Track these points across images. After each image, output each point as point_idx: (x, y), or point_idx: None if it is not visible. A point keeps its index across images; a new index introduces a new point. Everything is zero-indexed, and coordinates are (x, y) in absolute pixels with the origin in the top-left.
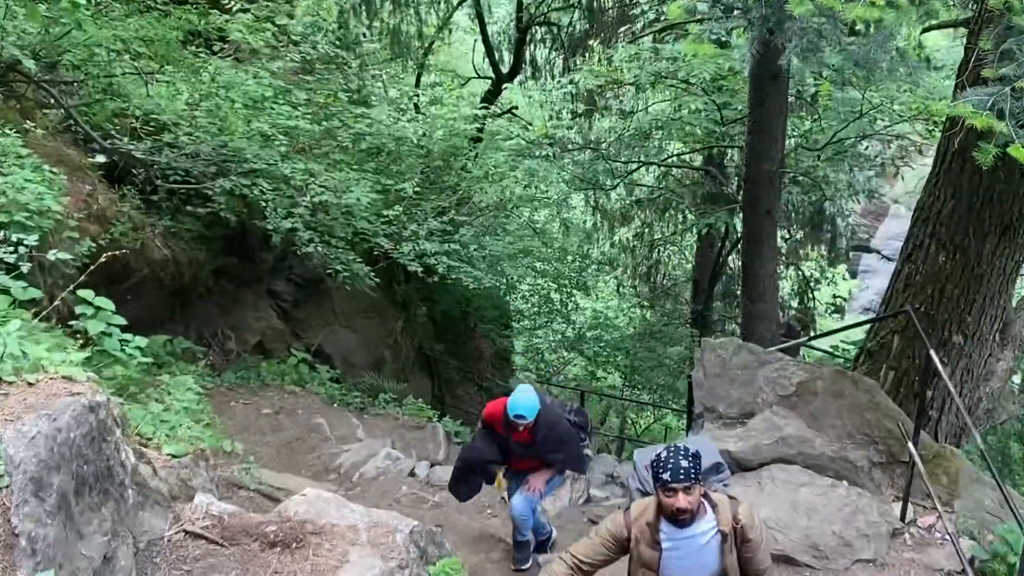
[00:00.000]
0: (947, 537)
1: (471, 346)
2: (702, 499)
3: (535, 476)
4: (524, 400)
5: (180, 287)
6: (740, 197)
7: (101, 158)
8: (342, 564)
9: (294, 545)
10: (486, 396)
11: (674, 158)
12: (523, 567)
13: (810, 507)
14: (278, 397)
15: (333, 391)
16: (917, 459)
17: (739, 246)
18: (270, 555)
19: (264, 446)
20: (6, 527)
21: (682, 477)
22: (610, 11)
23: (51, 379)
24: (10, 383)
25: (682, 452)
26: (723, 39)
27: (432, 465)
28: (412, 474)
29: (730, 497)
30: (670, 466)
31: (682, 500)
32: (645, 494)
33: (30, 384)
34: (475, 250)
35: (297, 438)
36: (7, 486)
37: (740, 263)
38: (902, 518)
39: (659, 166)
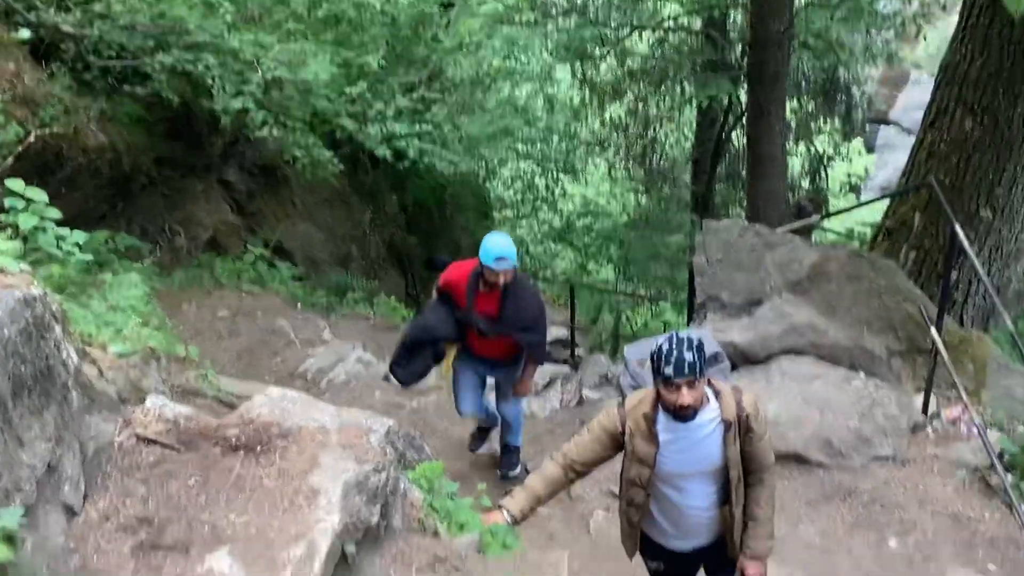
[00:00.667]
0: (973, 430)
1: (447, 239)
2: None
3: (522, 384)
4: (505, 241)
5: (120, 177)
6: (744, 64)
7: (25, 32)
8: (312, 468)
9: (258, 449)
10: None
11: (670, 21)
12: (513, 472)
13: (823, 401)
14: (235, 298)
15: (296, 290)
16: (941, 346)
17: (743, 120)
18: (232, 460)
19: (221, 351)
20: None
21: (687, 371)
22: None
23: None
24: None
25: (686, 343)
26: None
27: None
28: (387, 379)
29: (733, 387)
30: (673, 359)
31: (686, 396)
32: (636, 390)
33: None
34: (449, 131)
35: (257, 342)
36: None
37: (745, 139)
38: (924, 411)
39: (654, 31)
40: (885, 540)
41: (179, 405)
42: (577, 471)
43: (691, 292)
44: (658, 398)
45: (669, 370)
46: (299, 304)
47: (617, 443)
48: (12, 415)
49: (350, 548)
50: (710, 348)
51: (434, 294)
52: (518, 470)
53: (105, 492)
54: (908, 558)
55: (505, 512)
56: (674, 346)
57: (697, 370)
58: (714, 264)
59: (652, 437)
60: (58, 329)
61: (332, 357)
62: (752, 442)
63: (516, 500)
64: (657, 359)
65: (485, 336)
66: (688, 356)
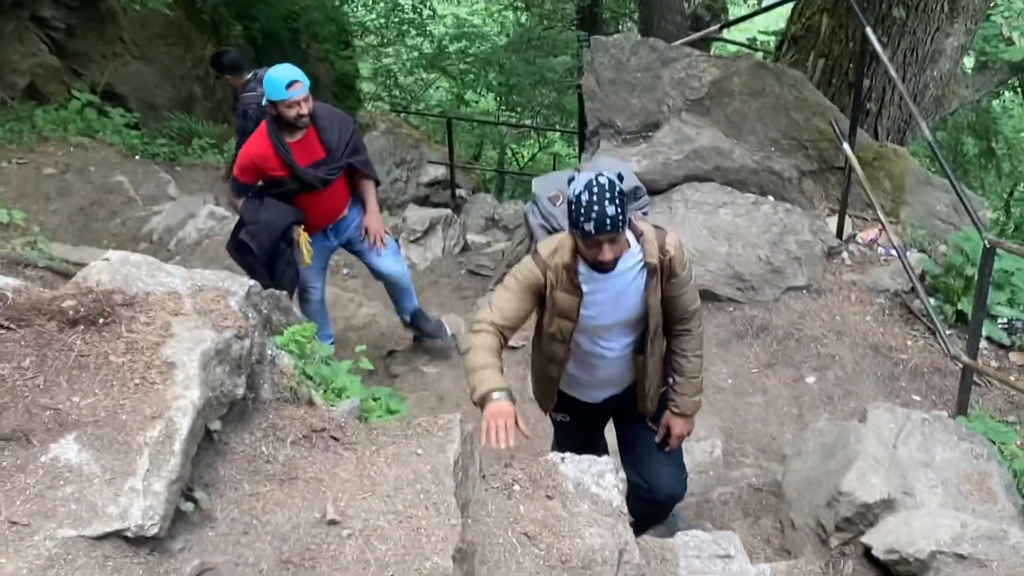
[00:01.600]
0: (892, 252)
1: (304, 71)
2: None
3: (369, 217)
4: (288, 67)
5: None
6: None
7: None
8: (164, 339)
9: (101, 321)
10: None
11: None
12: (438, 338)
13: (731, 231)
14: (62, 153)
15: (132, 140)
16: (855, 162)
17: None
18: (72, 335)
19: (51, 214)
20: None
21: (609, 227)
22: None
23: None
24: None
25: (607, 192)
26: None
27: None
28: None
29: (655, 227)
30: (594, 215)
31: (607, 252)
32: (552, 231)
33: None
34: None
35: (92, 202)
36: None
37: None
38: (839, 234)
39: None
40: (802, 377)
41: (5, 277)
42: (507, 335)
43: (582, 119)
44: (576, 247)
45: (590, 227)
46: (138, 155)
47: (539, 296)
48: None
49: (215, 425)
50: (630, 182)
51: (236, 199)
52: (444, 333)
53: None
54: (827, 394)
55: (497, 394)
56: (594, 196)
57: (619, 223)
58: (605, 86)
59: (575, 288)
60: None
61: (180, 214)
62: (676, 287)
63: (490, 380)
64: (575, 211)
65: (326, 186)
66: (610, 210)
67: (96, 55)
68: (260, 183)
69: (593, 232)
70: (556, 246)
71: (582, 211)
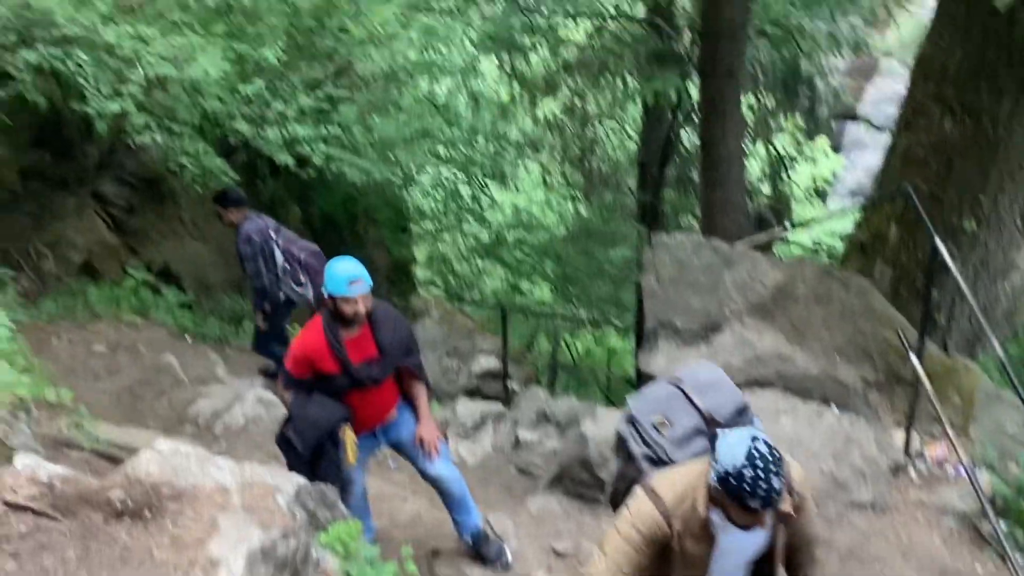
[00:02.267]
0: (961, 471)
1: (360, 256)
2: None
3: (423, 426)
4: (351, 263)
5: None
6: (695, 56)
7: None
8: (210, 535)
9: (148, 514)
10: None
11: (610, 8)
12: (504, 559)
13: (792, 440)
14: (113, 331)
15: (184, 320)
16: (923, 375)
17: (695, 119)
18: (117, 528)
19: (99, 393)
20: None
21: (774, 502)
22: None
23: None
24: None
25: (772, 466)
26: None
27: None
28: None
29: None
30: (761, 491)
31: (764, 517)
32: (656, 461)
33: None
34: (360, 134)
35: (140, 381)
36: None
37: (697, 140)
38: (906, 450)
39: (591, 19)
40: None
41: (54, 465)
42: None
43: (640, 316)
44: (711, 498)
45: (756, 504)
46: (188, 336)
47: (663, 547)
48: None
49: None
50: (735, 399)
51: (285, 391)
52: (508, 556)
53: None
54: None
55: None
56: (759, 472)
57: (781, 493)
58: (666, 284)
59: (707, 536)
60: None
61: (228, 397)
62: (801, 523)
63: None
64: (737, 487)
65: (377, 385)
66: (775, 483)
67: (154, 234)
68: (311, 377)
69: (759, 508)
70: (682, 492)
71: (746, 488)
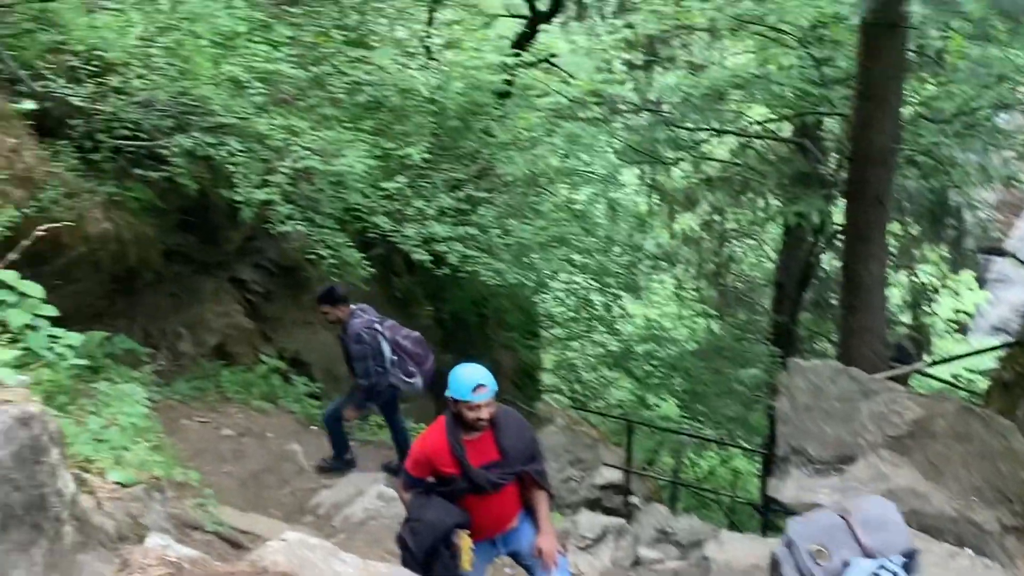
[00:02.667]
0: None
1: (487, 358)
2: None
3: (543, 538)
4: (477, 368)
5: (123, 271)
6: (842, 180)
7: (30, 104)
8: None
9: None
10: None
11: (756, 126)
12: None
13: None
14: (243, 415)
15: (311, 410)
16: None
17: (837, 243)
18: None
19: (224, 476)
20: None
21: None
22: None
23: None
24: None
25: None
26: None
27: None
28: None
29: None
30: None
31: None
32: None
33: None
34: (497, 236)
35: (265, 468)
36: None
37: (839, 264)
38: None
39: (736, 136)
40: None
41: (184, 547)
42: None
43: (771, 440)
44: None
45: None
46: (315, 426)
47: None
48: None
49: None
50: (904, 541)
51: (405, 491)
52: None
53: None
54: None
55: None
56: None
57: None
58: (800, 411)
59: None
60: (55, 453)
61: (349, 490)
62: None
63: None
64: None
65: (496, 490)
66: None
67: (288, 321)
68: (431, 478)
69: None
70: None
71: None
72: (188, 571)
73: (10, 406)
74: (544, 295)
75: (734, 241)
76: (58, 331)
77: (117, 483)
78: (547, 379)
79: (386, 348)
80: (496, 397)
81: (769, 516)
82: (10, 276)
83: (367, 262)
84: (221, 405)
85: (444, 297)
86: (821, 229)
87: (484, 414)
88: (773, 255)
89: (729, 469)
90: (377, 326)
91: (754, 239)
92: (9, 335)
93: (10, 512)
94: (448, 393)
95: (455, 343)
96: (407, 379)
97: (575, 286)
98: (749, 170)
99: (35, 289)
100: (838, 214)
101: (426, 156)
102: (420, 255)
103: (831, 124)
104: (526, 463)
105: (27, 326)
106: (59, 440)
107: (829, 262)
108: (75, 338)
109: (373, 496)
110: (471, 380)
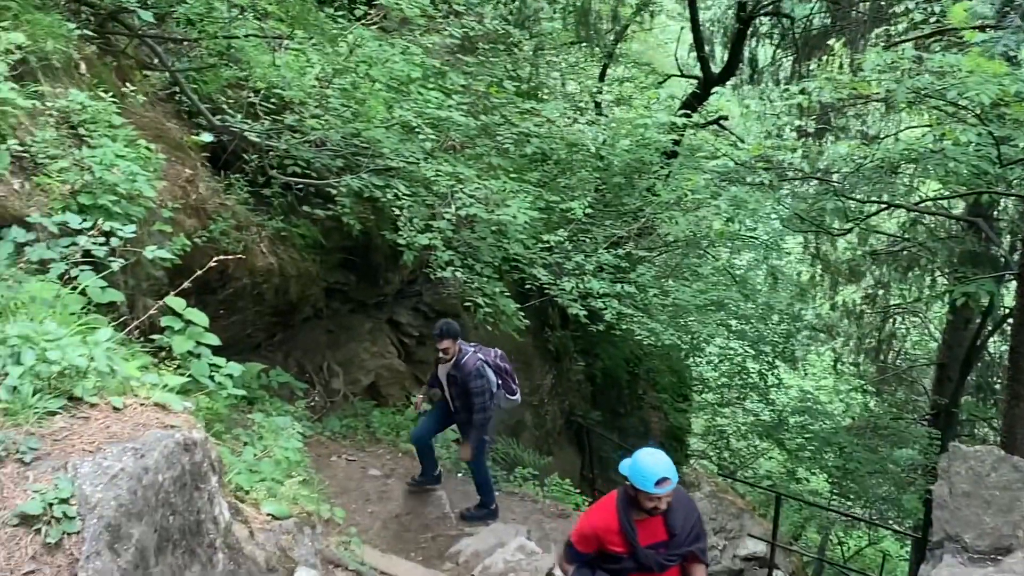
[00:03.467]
0: None
1: (636, 417)
2: None
3: None
4: (662, 458)
5: (284, 305)
6: (1014, 262)
7: (207, 136)
8: None
9: None
10: None
11: (929, 203)
12: None
13: None
14: (390, 456)
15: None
16: None
17: (1006, 325)
18: None
19: (368, 516)
20: None
21: None
22: (861, 3)
23: (141, 405)
24: (92, 404)
25: None
26: (1013, 54)
27: None
28: (550, 574)
29: None
30: None
31: None
32: None
33: (116, 409)
34: (655, 296)
35: (408, 512)
36: (78, 532)
37: (1005, 348)
38: None
39: (907, 211)
40: None
41: None
42: None
43: (925, 524)
44: None
45: None
46: (460, 474)
47: None
48: (152, 572)
49: None
50: None
51: (567, 563)
52: None
53: None
54: None
55: None
56: None
57: None
58: (958, 498)
59: None
60: (214, 480)
61: (491, 540)
62: None
63: None
64: None
65: (663, 571)
66: None
67: None
68: (595, 554)
69: None
70: None
71: None
72: None
73: (175, 431)
74: (698, 358)
75: (897, 318)
76: (219, 360)
77: (270, 515)
78: (695, 444)
79: (491, 374)
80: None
81: None
82: (178, 303)
83: (522, 313)
84: (369, 445)
85: (597, 353)
86: (989, 311)
87: (663, 505)
88: (937, 335)
89: (877, 551)
90: (480, 355)
91: (918, 317)
92: (173, 361)
93: (167, 536)
94: (629, 480)
95: (604, 400)
96: (511, 396)
97: (730, 352)
98: (918, 246)
99: (200, 318)
100: (1008, 297)
101: (589, 211)
102: (576, 309)
103: (1006, 204)
104: (692, 543)
105: (190, 353)
106: (219, 468)
107: (996, 346)
108: (235, 368)
109: (514, 548)
110: (655, 473)
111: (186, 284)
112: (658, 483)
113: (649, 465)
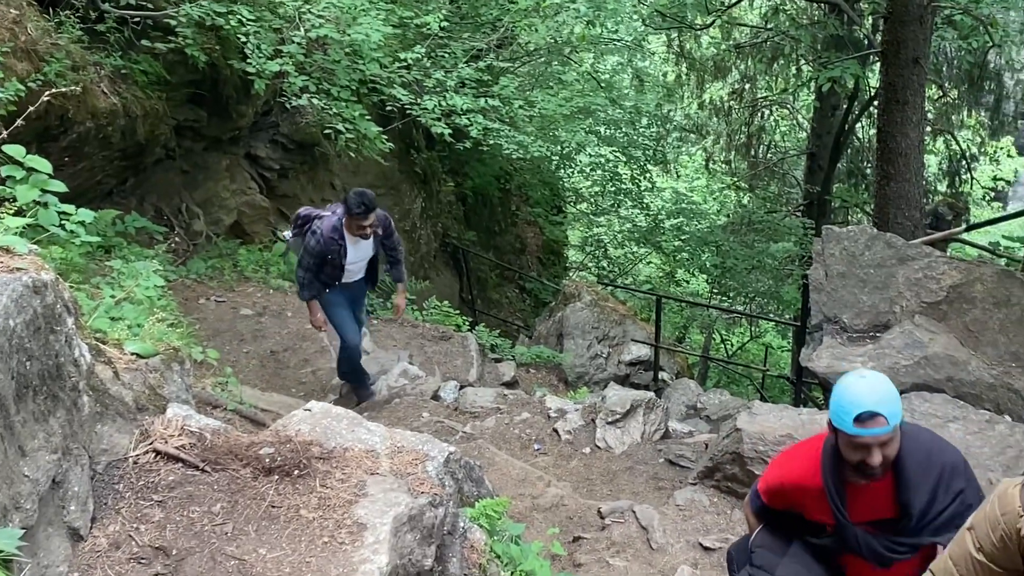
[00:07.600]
0: None
1: (511, 235)
2: None
3: None
4: (873, 384)
5: (133, 147)
6: (877, 42)
7: None
8: (358, 498)
9: (296, 472)
10: (531, 301)
11: None
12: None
13: (961, 449)
14: (261, 294)
15: None
16: None
17: (872, 109)
18: (265, 484)
19: (244, 356)
20: None
21: None
22: None
23: None
24: None
25: None
26: None
27: (462, 387)
28: (436, 397)
29: None
30: None
31: None
32: None
33: None
34: (520, 107)
35: (285, 348)
36: None
37: (874, 131)
38: None
39: None
40: None
41: (206, 417)
42: None
43: (804, 311)
44: None
45: None
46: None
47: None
48: (14, 420)
49: None
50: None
51: (753, 514)
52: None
53: (116, 515)
54: None
55: None
56: None
57: None
58: (835, 279)
59: None
60: (70, 322)
61: (373, 368)
62: None
63: None
64: None
65: (884, 566)
66: None
67: (304, 198)
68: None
69: None
70: None
71: None
72: (211, 441)
73: (22, 274)
74: (569, 169)
75: (766, 111)
76: (68, 207)
77: (135, 354)
78: (573, 255)
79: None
80: (899, 427)
81: (802, 388)
82: (17, 151)
83: (386, 136)
84: (239, 284)
85: (466, 173)
86: (856, 95)
87: (875, 459)
88: (806, 125)
89: (760, 344)
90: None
91: (786, 108)
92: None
93: (25, 382)
94: (828, 415)
95: (478, 219)
96: None
97: (601, 159)
98: (781, 35)
99: (43, 164)
100: (874, 78)
101: (444, 24)
102: (440, 128)
103: None
104: (940, 531)
105: (36, 202)
106: (74, 310)
107: (864, 130)
108: (86, 215)
109: (397, 374)
110: (856, 404)
111: (19, 122)
112: (860, 420)
113: (848, 394)
